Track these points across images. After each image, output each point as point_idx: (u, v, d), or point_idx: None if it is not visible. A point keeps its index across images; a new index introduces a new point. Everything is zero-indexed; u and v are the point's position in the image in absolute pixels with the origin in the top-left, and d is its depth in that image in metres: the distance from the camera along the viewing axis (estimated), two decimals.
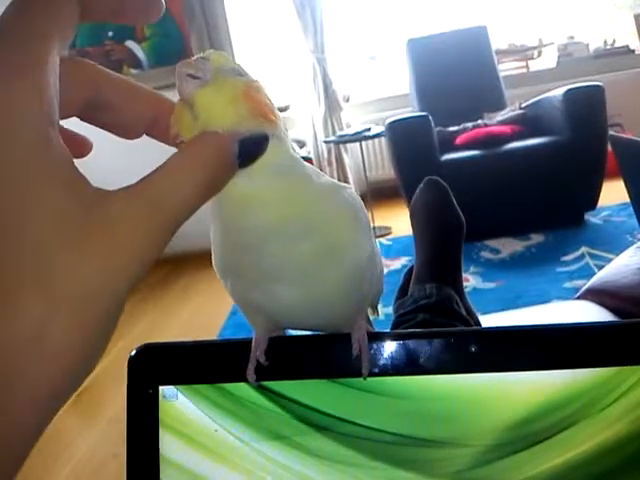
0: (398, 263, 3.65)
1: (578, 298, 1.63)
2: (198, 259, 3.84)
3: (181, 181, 0.29)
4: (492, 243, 3.75)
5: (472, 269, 3.38)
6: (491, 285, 3.16)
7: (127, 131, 0.37)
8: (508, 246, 3.69)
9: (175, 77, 0.37)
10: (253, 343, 0.48)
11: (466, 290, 1.39)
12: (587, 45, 5.51)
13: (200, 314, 3.50)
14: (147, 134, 0.37)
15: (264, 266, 0.43)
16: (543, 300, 2.57)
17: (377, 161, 5.44)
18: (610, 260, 1.79)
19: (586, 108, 3.71)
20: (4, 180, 0.24)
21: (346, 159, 5.23)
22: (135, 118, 0.36)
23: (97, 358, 0.27)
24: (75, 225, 0.25)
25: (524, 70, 5.69)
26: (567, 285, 2.93)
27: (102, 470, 2.11)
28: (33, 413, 0.24)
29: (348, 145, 5.18)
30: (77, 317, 0.25)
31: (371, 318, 0.61)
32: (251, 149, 0.36)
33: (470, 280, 3.22)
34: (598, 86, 3.74)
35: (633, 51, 5.35)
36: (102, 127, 0.35)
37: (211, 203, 0.41)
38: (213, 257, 0.47)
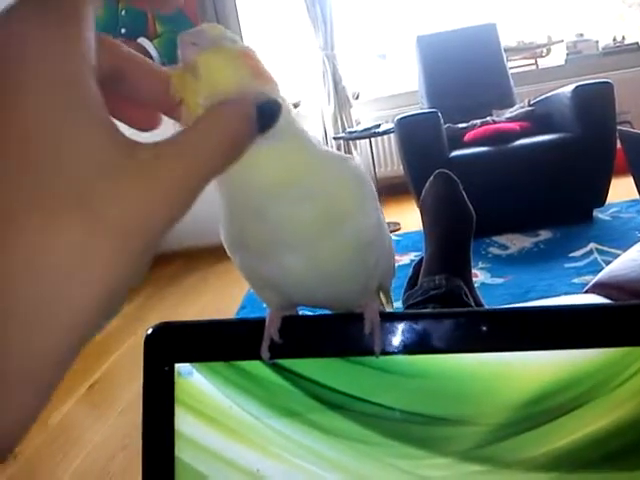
0: (407, 258, 3.64)
1: (586, 292, 1.63)
2: (210, 254, 3.85)
3: (210, 142, 0.30)
4: (500, 239, 3.75)
5: (481, 265, 3.38)
6: (499, 281, 3.16)
7: (144, 113, 0.38)
8: (516, 242, 3.69)
9: (178, 46, 0.39)
10: (267, 321, 0.49)
11: (475, 285, 1.39)
12: (596, 42, 5.48)
13: (211, 308, 3.50)
14: (163, 112, 0.38)
15: (269, 233, 0.43)
16: (551, 295, 2.56)
17: (386, 157, 5.43)
18: (618, 256, 1.79)
19: (595, 105, 3.70)
20: (47, 112, 0.25)
21: (355, 156, 5.23)
22: (149, 93, 0.37)
23: (125, 295, 0.27)
24: (113, 161, 0.26)
25: (533, 67, 5.66)
26: (575, 281, 2.93)
27: (112, 462, 2.12)
28: (66, 337, 0.25)
29: (357, 142, 5.18)
30: (115, 246, 0.25)
31: (389, 310, 0.61)
32: (267, 114, 0.36)
33: (479, 276, 3.21)
34: (607, 83, 3.72)
35: None
36: (116, 111, 0.36)
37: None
38: (221, 232, 0.47)
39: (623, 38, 5.52)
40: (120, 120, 0.36)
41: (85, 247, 0.25)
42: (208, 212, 0.46)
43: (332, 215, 0.44)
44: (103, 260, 0.25)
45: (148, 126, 0.38)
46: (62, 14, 0.27)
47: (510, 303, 2.42)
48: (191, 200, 0.29)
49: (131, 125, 0.37)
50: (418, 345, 0.47)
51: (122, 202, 0.26)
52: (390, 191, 4.91)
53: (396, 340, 0.48)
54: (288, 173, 0.41)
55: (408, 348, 0.47)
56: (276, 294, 0.49)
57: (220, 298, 3.57)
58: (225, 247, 0.48)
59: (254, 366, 0.49)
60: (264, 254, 0.45)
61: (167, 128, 0.38)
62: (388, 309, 0.61)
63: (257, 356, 0.48)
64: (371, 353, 0.47)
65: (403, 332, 0.48)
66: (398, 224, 4.46)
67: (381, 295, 0.59)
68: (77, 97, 0.26)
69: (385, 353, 0.47)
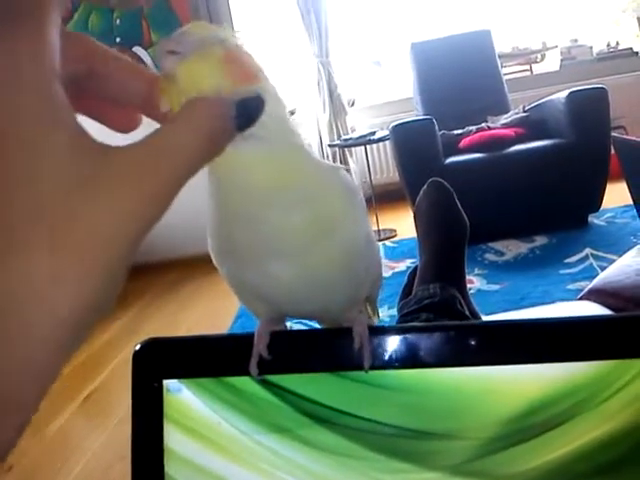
0: (403, 265, 3.65)
1: (581, 299, 1.63)
2: (206, 263, 3.82)
3: (184, 139, 0.30)
4: (496, 245, 3.75)
5: (476, 271, 3.38)
6: (495, 287, 3.15)
7: (124, 114, 0.37)
8: (512, 248, 3.69)
9: (157, 55, 0.39)
10: (255, 337, 0.49)
11: (470, 292, 1.39)
12: (590, 48, 5.49)
13: (207, 317, 3.50)
14: (144, 113, 0.37)
15: (258, 239, 0.43)
16: (547, 301, 2.57)
17: (382, 164, 5.44)
18: (614, 262, 1.79)
19: (590, 111, 3.70)
20: (11, 126, 0.25)
21: (351, 163, 5.23)
22: (130, 93, 0.36)
23: (107, 306, 0.27)
24: (79, 171, 0.26)
25: (528, 73, 5.68)
26: (571, 287, 2.92)
27: (110, 472, 2.11)
28: (44, 361, 0.24)
29: (353, 149, 5.18)
30: (86, 265, 0.25)
31: (375, 322, 0.61)
32: (247, 111, 0.36)
33: (474, 282, 3.21)
34: (601, 88, 3.72)
35: (637, 54, 5.33)
36: (95, 112, 0.36)
37: (208, 179, 0.42)
38: (209, 241, 0.47)
39: (617, 43, 5.54)
40: (98, 121, 0.36)
41: (56, 273, 0.24)
42: (204, 220, 0.46)
43: (322, 223, 0.44)
44: (76, 282, 0.25)
45: (128, 127, 0.37)
46: (24, 14, 0.26)
47: (506, 310, 2.41)
48: (168, 202, 0.28)
49: (110, 126, 0.37)
50: (407, 360, 0.47)
51: (91, 216, 0.25)
52: (386, 198, 4.92)
53: (385, 355, 0.48)
54: (279, 177, 0.41)
55: (397, 363, 0.47)
56: (265, 305, 0.49)
57: (217, 307, 3.56)
58: (212, 258, 0.48)
59: (243, 382, 0.48)
60: (253, 262, 0.45)
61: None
62: (374, 320, 0.61)
63: (246, 372, 0.48)
64: (360, 368, 0.47)
65: (392, 347, 0.48)
66: (394, 231, 4.46)
67: (367, 305, 0.59)
68: (36, 102, 0.25)
69: (374, 368, 0.47)
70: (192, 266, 4.27)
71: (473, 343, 0.47)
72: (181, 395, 0.49)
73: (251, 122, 0.37)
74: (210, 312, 3.58)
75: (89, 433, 2.46)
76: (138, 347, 0.51)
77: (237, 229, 0.43)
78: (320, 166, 0.45)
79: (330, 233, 0.44)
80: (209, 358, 0.50)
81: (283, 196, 0.41)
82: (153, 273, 4.51)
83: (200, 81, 0.38)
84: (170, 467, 0.49)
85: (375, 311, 0.61)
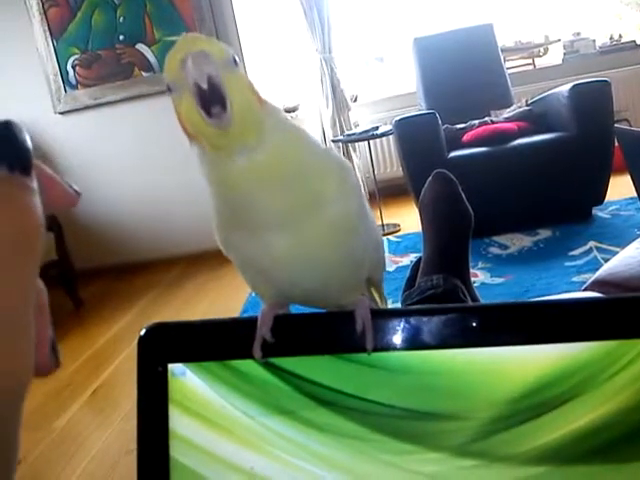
0: (407, 259, 3.65)
1: (585, 290, 1.63)
2: (211, 258, 3.85)
3: None
4: (500, 239, 3.75)
5: (481, 264, 3.38)
6: (500, 280, 3.15)
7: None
8: (516, 241, 3.69)
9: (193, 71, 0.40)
10: (259, 321, 0.49)
11: (475, 285, 1.39)
12: (593, 41, 5.48)
13: (212, 314, 3.50)
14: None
15: (253, 214, 0.46)
16: (551, 294, 2.56)
17: (385, 159, 5.44)
18: (617, 254, 1.79)
19: (592, 104, 3.69)
20: None
21: (355, 158, 5.22)
22: None
23: None
24: None
25: (530, 67, 5.67)
26: (575, 279, 2.92)
27: (117, 466, 2.12)
28: None
29: (356, 144, 5.18)
30: None
31: (384, 307, 0.62)
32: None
33: (479, 275, 3.21)
34: (604, 81, 3.72)
35: (639, 46, 5.33)
36: None
37: (202, 165, 0.45)
38: (214, 228, 0.49)
39: (620, 36, 5.53)
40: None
41: None
42: (208, 215, 0.48)
43: (313, 196, 0.46)
44: None
45: (68, 202, 0.31)
46: None
47: None
48: None
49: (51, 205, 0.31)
50: (409, 341, 0.48)
51: None
52: (390, 193, 4.92)
53: (388, 337, 0.48)
54: (275, 176, 0.44)
55: (400, 345, 0.48)
56: (269, 286, 0.50)
57: (221, 303, 3.57)
58: (218, 241, 0.50)
59: (247, 365, 0.49)
60: (251, 235, 0.47)
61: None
62: (382, 306, 0.62)
63: (250, 355, 0.48)
64: (363, 350, 0.48)
65: (394, 329, 0.48)
66: (398, 225, 4.46)
67: (373, 292, 0.60)
68: None
69: (377, 350, 0.48)
70: (196, 262, 4.28)
71: (475, 325, 0.47)
72: (186, 379, 0.49)
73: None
74: (215, 307, 3.58)
75: (96, 428, 2.47)
76: (143, 332, 0.51)
77: (235, 208, 0.46)
78: (312, 148, 0.48)
79: (321, 206, 0.46)
80: (213, 342, 0.50)
81: (273, 175, 0.44)
82: (157, 270, 4.52)
83: (247, 96, 0.43)
84: (175, 450, 0.49)
85: (382, 297, 0.62)
